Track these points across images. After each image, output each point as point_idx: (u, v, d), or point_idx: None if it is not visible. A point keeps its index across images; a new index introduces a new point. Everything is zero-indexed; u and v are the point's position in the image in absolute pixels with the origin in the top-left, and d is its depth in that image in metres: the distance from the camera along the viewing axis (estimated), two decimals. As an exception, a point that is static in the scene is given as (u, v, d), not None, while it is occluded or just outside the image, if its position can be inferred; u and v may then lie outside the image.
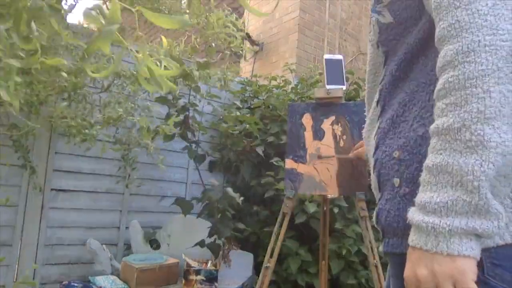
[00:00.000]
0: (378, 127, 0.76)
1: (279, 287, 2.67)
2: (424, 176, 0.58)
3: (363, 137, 0.86)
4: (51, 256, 2.55)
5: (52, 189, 2.56)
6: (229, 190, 2.51)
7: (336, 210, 2.50)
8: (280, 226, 1.78)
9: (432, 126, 0.58)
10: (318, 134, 1.86)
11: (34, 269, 2.46)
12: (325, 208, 1.94)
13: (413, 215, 0.57)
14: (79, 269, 2.64)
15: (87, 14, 0.61)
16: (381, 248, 0.75)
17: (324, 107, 1.87)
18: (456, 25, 0.56)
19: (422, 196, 0.57)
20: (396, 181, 0.68)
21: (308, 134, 1.88)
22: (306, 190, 1.85)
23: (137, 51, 0.64)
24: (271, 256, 1.77)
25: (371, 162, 0.77)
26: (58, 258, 2.58)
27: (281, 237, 1.77)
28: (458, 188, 0.53)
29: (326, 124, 1.86)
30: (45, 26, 0.66)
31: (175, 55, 2.07)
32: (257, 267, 2.65)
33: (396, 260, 0.69)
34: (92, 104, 2.09)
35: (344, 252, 2.48)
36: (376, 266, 1.69)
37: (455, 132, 0.54)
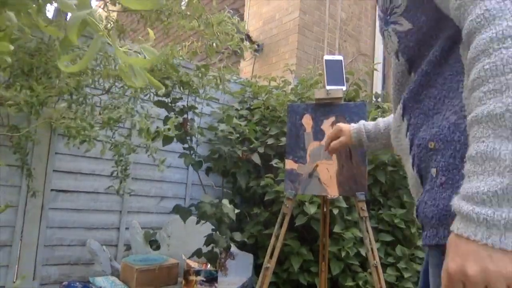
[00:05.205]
0: (409, 124, 0.76)
1: (278, 288, 2.67)
2: (468, 167, 0.54)
3: (391, 138, 0.85)
4: (51, 256, 2.55)
5: (52, 190, 2.56)
6: (225, 202, 2.49)
7: (336, 211, 2.49)
8: (280, 226, 1.78)
9: (469, 117, 0.55)
10: (318, 135, 1.86)
11: (34, 270, 2.46)
12: (325, 209, 1.94)
13: (460, 204, 0.52)
14: (79, 270, 2.64)
15: (62, 2, 0.58)
16: (419, 242, 0.74)
17: (324, 108, 1.87)
18: (486, 14, 0.55)
19: (467, 187, 0.52)
20: (434, 171, 0.66)
21: (308, 135, 1.88)
22: (306, 191, 1.86)
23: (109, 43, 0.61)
24: (271, 256, 1.77)
25: (409, 159, 0.76)
26: (58, 259, 2.58)
27: (281, 237, 1.77)
28: (506, 174, 0.49)
29: (326, 125, 1.86)
30: (21, 16, 0.64)
31: (172, 62, 2.06)
32: (257, 269, 2.64)
33: (435, 251, 0.67)
34: (92, 106, 2.09)
35: (343, 254, 2.48)
36: (376, 267, 1.69)
37: (498, 118, 0.51)
